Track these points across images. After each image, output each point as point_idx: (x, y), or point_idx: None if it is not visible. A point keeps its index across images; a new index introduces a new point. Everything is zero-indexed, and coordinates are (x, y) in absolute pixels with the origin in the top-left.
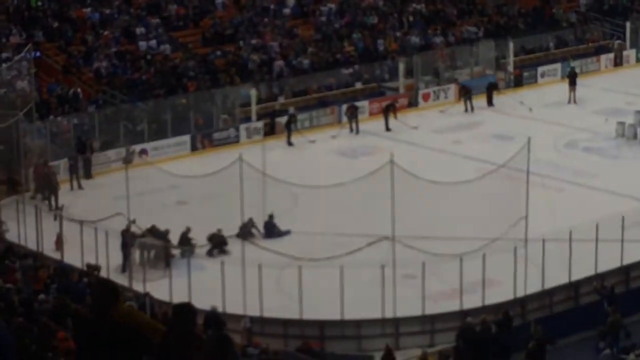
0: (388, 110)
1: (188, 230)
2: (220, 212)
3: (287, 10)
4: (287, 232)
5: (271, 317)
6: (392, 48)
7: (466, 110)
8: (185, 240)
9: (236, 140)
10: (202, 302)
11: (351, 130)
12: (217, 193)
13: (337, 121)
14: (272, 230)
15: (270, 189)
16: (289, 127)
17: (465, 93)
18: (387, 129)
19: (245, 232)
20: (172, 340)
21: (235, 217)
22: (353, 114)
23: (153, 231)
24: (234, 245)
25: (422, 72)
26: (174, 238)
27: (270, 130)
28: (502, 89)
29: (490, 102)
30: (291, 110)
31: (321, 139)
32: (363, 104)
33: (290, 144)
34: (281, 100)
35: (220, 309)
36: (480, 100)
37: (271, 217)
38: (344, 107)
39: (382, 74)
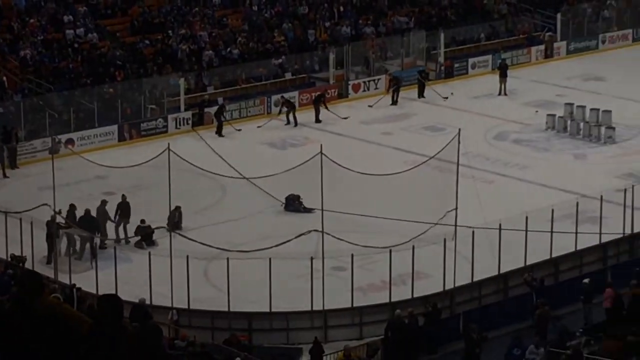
0: (318, 102)
1: (124, 198)
2: (147, 203)
3: (217, 0)
4: (310, 210)
5: (198, 309)
6: (322, 38)
7: (392, 102)
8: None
9: (164, 131)
10: (129, 294)
11: (288, 122)
12: (145, 184)
13: (267, 112)
14: (293, 205)
15: (199, 180)
16: (219, 118)
17: (395, 84)
18: (317, 120)
19: (173, 221)
20: (99, 332)
21: (164, 208)
22: (289, 107)
23: (86, 218)
24: (161, 237)
25: (353, 63)
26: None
27: (198, 121)
28: (432, 79)
29: (421, 94)
30: (221, 100)
31: (250, 130)
32: (293, 95)
33: (220, 134)
34: (210, 90)
35: (147, 301)
36: (411, 92)
37: (298, 196)
38: (276, 98)
39: (312, 65)
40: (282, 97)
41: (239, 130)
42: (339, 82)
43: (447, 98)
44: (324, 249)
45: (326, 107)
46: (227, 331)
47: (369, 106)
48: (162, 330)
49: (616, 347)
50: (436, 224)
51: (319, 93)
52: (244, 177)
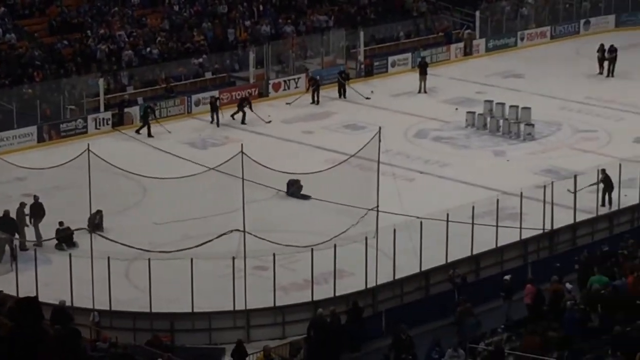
0: (243, 104)
1: (36, 198)
2: (68, 204)
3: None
4: (307, 197)
5: (120, 311)
6: (242, 37)
7: (313, 102)
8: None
9: (84, 131)
10: (50, 296)
11: (212, 121)
12: (65, 185)
13: (187, 111)
14: (290, 189)
15: (119, 181)
16: (146, 119)
17: (314, 84)
18: (243, 122)
19: (93, 224)
20: (18, 334)
21: (84, 209)
22: (214, 105)
23: (4, 219)
24: (82, 238)
25: (273, 62)
26: None
27: (118, 121)
28: (353, 78)
29: (342, 95)
30: (141, 100)
31: (172, 130)
32: (214, 94)
33: (150, 135)
34: (130, 90)
35: (68, 303)
36: (331, 91)
37: (298, 181)
38: (196, 97)
39: (232, 64)
40: (213, 97)
41: (169, 132)
42: (259, 81)
43: (369, 98)
44: (245, 248)
45: (251, 110)
46: (149, 332)
47: (287, 104)
48: (80, 332)
49: (537, 342)
50: (347, 229)
51: (244, 96)
52: (210, 168)
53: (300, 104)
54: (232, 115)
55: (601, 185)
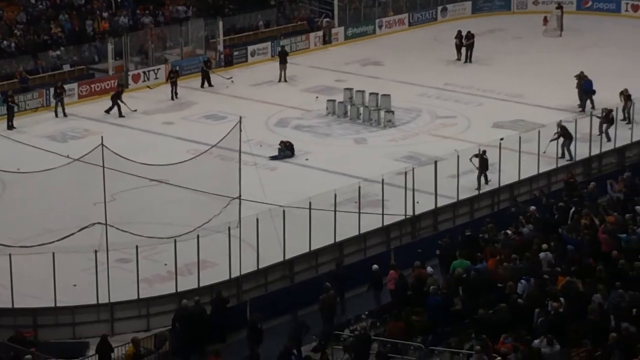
0: (116, 97)
1: None
2: None
3: None
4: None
5: None
6: (100, 29)
7: (173, 95)
8: None
9: None
10: None
11: (56, 115)
12: None
13: (46, 104)
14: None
15: None
16: (12, 110)
17: (173, 77)
18: (120, 115)
19: None
20: None
21: None
22: (60, 96)
23: None
24: None
25: (132, 53)
26: None
27: None
28: (213, 68)
29: (208, 83)
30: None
31: (28, 124)
32: (72, 87)
33: (11, 127)
34: None
35: None
36: (191, 81)
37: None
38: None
39: (91, 56)
40: (57, 86)
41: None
42: (118, 72)
43: (231, 78)
44: (107, 241)
45: (123, 102)
46: (11, 328)
47: (148, 87)
48: None
49: (401, 328)
50: (210, 220)
51: (116, 92)
52: (22, 172)
53: (161, 97)
54: (107, 110)
55: (561, 140)
